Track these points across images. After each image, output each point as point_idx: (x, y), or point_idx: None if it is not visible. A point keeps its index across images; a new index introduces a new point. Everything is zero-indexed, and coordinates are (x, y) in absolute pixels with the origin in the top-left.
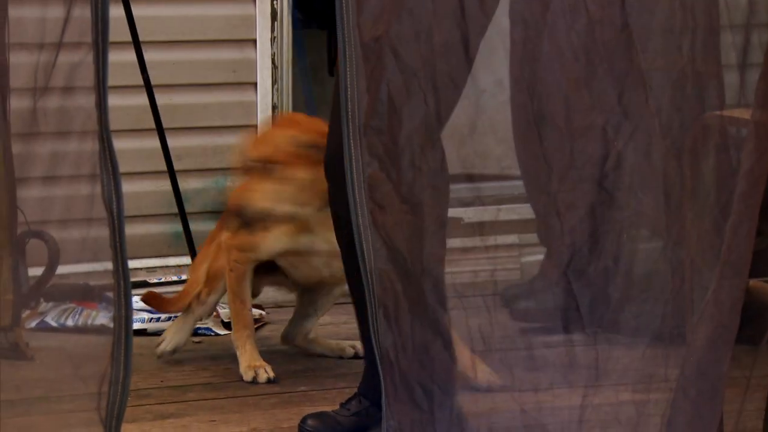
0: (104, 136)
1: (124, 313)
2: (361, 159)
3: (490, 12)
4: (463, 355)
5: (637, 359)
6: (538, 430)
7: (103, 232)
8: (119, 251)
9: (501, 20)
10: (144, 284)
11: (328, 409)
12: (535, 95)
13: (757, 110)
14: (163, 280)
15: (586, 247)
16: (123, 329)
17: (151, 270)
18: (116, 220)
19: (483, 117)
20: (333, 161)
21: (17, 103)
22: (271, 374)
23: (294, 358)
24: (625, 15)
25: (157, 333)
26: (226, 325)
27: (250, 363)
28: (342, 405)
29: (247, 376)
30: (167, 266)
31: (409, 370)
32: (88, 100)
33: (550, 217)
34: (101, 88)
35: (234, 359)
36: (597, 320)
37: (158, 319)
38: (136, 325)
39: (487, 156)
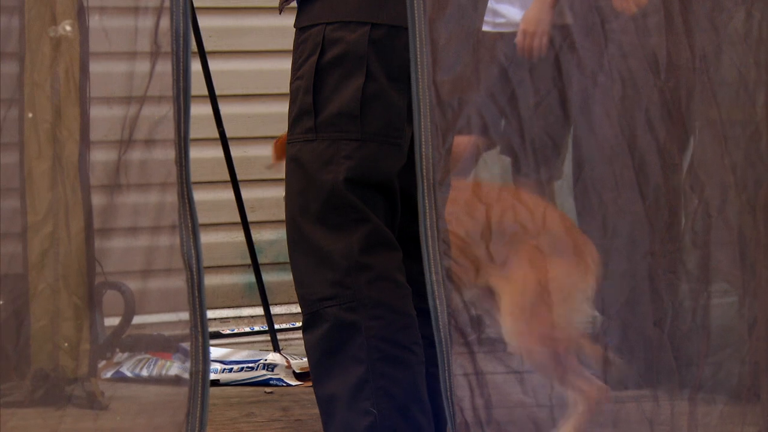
0: (185, 191)
1: (202, 367)
2: (436, 215)
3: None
4: None
5: (716, 417)
6: None
7: (180, 283)
8: (198, 306)
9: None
10: (217, 335)
11: None
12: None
13: None
14: (236, 330)
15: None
16: (200, 384)
17: (224, 320)
18: (195, 275)
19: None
20: None
21: (102, 156)
22: None
23: None
24: (701, 69)
25: (229, 384)
26: (298, 376)
27: None
28: None
29: None
30: (240, 317)
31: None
32: (168, 153)
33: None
34: (182, 143)
35: (306, 410)
36: (676, 378)
37: (230, 370)
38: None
39: None
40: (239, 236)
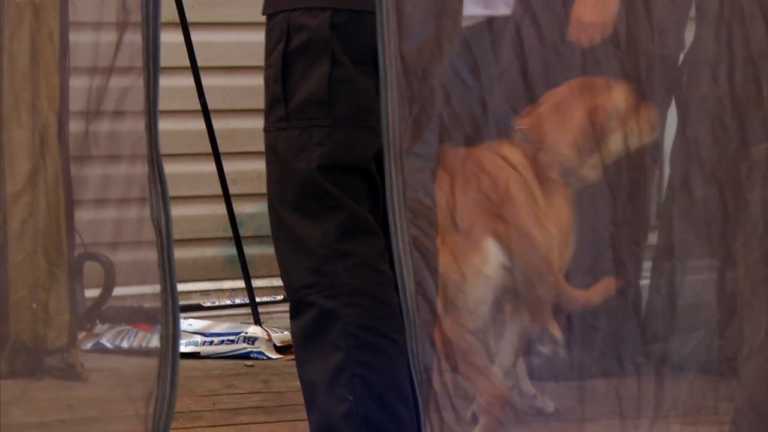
0: (154, 158)
1: (171, 331)
2: (403, 184)
3: None
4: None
5: (685, 390)
6: None
7: (152, 254)
8: (167, 270)
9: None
10: (198, 308)
11: None
12: None
13: None
14: (217, 303)
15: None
16: (170, 347)
17: (205, 293)
18: (165, 240)
19: None
20: None
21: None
22: None
23: None
24: (660, 43)
25: (210, 356)
26: (279, 350)
27: None
28: None
29: None
30: (221, 289)
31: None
32: (138, 124)
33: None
34: (151, 112)
35: (286, 383)
36: (644, 352)
37: (211, 343)
38: (189, 348)
39: None
40: (221, 209)
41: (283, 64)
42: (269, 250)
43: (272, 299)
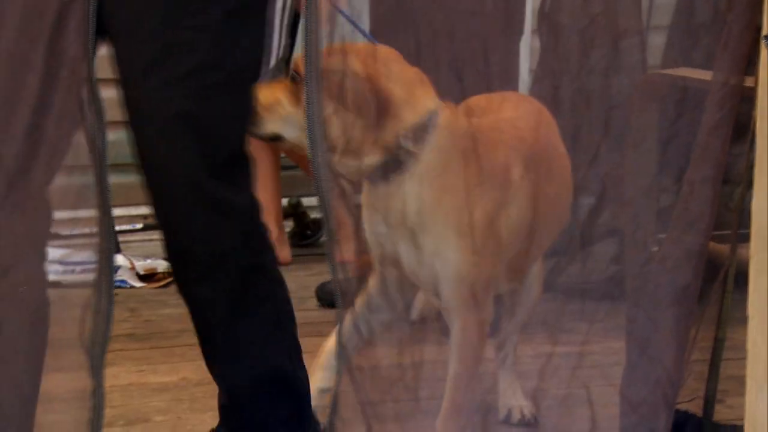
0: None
1: (105, 245)
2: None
3: None
4: None
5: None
6: None
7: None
8: (102, 184)
9: None
10: (56, 236)
11: None
12: None
13: (719, 71)
14: (75, 232)
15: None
16: (105, 261)
17: (61, 222)
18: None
19: None
20: None
21: None
22: None
23: None
24: None
25: (73, 285)
26: (142, 278)
27: None
28: None
29: None
30: (77, 218)
31: None
32: None
33: None
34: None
35: (154, 310)
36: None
37: (73, 271)
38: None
39: None
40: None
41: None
42: (126, 179)
43: (132, 227)
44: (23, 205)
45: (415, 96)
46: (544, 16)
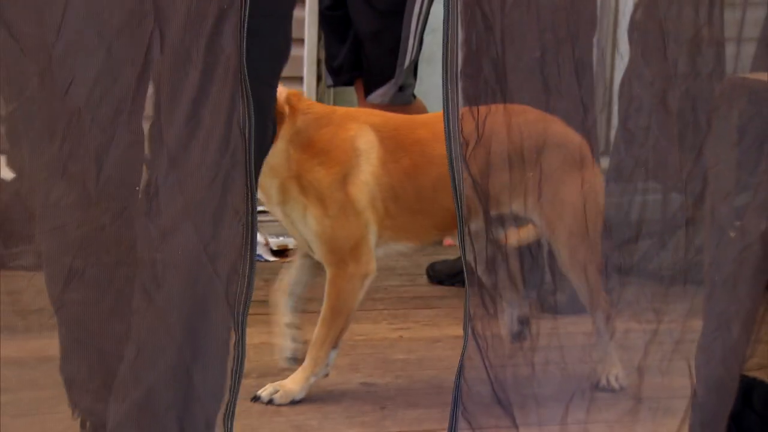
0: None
1: (251, 220)
2: (458, 100)
3: None
4: None
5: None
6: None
7: None
8: (249, 167)
9: None
10: None
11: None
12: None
13: None
14: None
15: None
16: (249, 229)
17: None
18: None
19: None
20: None
21: None
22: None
23: None
24: None
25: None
26: (275, 253)
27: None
28: None
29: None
30: None
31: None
32: None
33: None
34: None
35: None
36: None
37: None
38: None
39: None
40: None
41: None
42: None
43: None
44: (183, 181)
45: None
46: (635, 23)
